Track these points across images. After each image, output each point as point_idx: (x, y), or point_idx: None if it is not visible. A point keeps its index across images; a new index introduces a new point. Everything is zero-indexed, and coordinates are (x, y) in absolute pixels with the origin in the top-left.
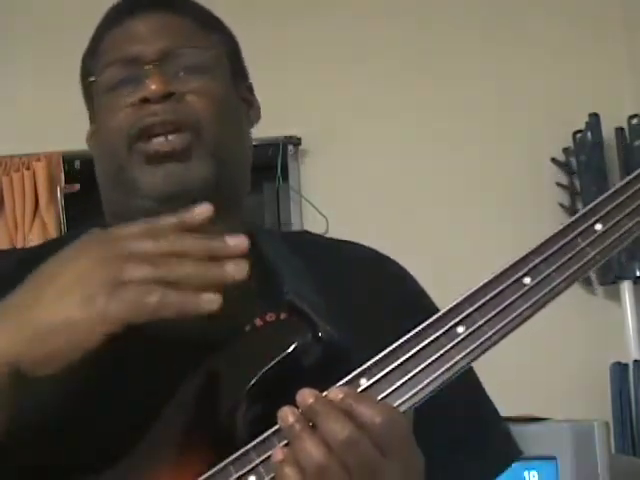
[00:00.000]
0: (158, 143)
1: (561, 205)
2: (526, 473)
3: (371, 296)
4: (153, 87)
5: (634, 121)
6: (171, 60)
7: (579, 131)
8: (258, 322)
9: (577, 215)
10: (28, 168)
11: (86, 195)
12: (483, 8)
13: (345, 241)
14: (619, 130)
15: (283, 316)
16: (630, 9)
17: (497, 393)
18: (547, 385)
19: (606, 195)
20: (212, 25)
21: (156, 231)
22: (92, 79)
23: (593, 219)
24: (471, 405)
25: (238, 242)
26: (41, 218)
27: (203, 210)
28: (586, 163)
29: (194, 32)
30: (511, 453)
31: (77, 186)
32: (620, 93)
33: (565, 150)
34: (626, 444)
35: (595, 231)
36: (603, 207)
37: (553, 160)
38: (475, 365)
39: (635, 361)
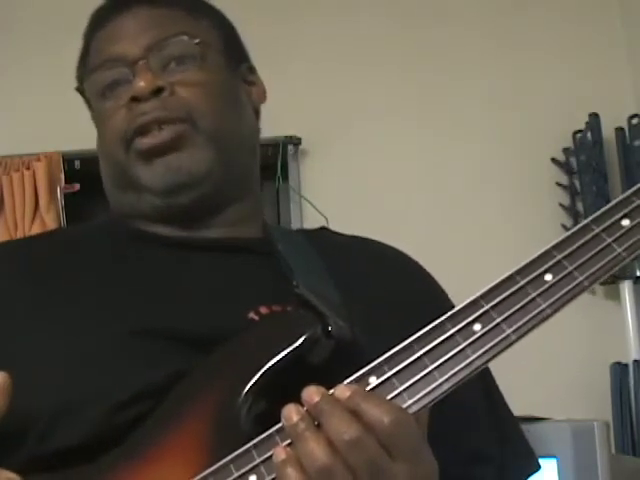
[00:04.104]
0: (151, 137)
1: (561, 205)
2: None
3: (392, 294)
4: (141, 84)
5: (634, 121)
6: (158, 53)
7: (579, 131)
8: (263, 310)
9: (602, 210)
10: (28, 168)
11: (86, 195)
12: (483, 8)
13: (364, 237)
14: (619, 130)
15: (290, 308)
16: (630, 9)
17: None
18: (547, 385)
19: (634, 189)
20: (201, 11)
21: None
22: (81, 87)
23: (619, 214)
24: (492, 417)
25: None
26: (41, 218)
27: None
28: (586, 163)
29: (181, 21)
30: (529, 468)
31: (77, 186)
32: (620, 93)
33: (565, 150)
34: (626, 444)
35: (622, 227)
36: (630, 202)
37: (553, 160)
38: None
39: (635, 361)
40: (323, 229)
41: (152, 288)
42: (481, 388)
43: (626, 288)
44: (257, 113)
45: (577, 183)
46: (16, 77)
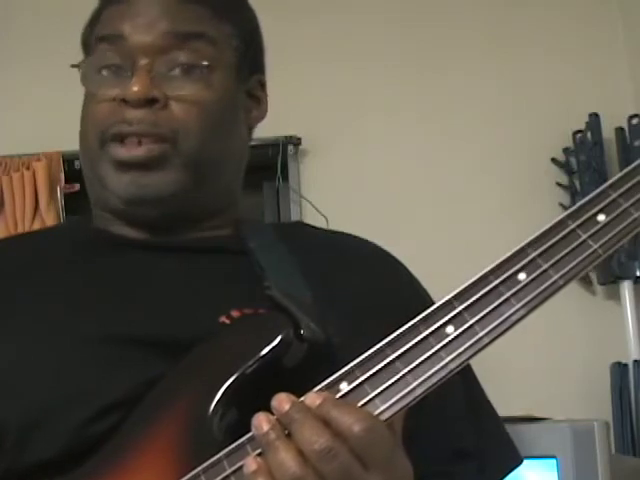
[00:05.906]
0: (127, 149)
1: (561, 205)
2: (526, 473)
3: (369, 293)
4: (135, 89)
5: (634, 121)
6: (167, 53)
7: (579, 131)
8: (234, 313)
9: (577, 205)
10: (28, 168)
11: (86, 195)
12: (483, 8)
13: (343, 233)
14: (619, 130)
15: (262, 310)
16: (630, 9)
17: (497, 393)
18: (547, 385)
19: (611, 182)
20: (228, 14)
21: None
22: (82, 62)
23: (595, 209)
24: (472, 413)
25: None
26: (41, 218)
27: None
28: (586, 163)
29: (203, 22)
30: (511, 462)
31: (77, 186)
32: (620, 93)
33: (565, 150)
34: (626, 444)
35: (597, 222)
36: (607, 195)
37: (553, 160)
38: (474, 365)
39: (635, 361)
40: (300, 223)
41: (121, 292)
42: (461, 384)
43: (626, 288)
44: (250, 130)
45: (577, 183)
46: (16, 77)
